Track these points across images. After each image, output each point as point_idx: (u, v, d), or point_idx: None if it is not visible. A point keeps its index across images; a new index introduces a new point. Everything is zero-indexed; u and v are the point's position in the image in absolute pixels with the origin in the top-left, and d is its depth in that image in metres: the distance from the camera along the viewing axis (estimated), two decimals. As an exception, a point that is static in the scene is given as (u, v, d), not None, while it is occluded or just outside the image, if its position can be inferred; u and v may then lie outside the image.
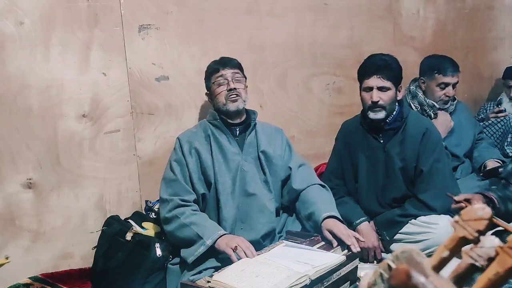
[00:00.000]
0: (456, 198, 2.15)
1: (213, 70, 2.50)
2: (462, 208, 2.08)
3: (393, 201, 2.64)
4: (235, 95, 2.42)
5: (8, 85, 2.36)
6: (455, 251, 0.52)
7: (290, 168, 2.55)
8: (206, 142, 2.45)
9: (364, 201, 2.69)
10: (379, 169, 2.65)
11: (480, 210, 0.50)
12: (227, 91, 2.42)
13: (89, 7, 2.52)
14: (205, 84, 2.57)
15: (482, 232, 0.50)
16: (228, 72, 2.45)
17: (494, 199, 2.13)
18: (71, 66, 2.50)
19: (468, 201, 2.11)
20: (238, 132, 2.49)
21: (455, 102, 3.29)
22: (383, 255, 2.57)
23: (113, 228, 2.47)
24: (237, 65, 2.52)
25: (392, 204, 2.64)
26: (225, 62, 2.50)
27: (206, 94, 2.58)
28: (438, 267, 0.51)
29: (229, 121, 2.48)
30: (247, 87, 2.55)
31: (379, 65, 2.54)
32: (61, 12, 2.45)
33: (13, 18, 2.35)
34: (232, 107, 2.43)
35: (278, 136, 2.61)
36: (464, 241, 0.51)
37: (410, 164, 2.60)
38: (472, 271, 0.51)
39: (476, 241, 0.51)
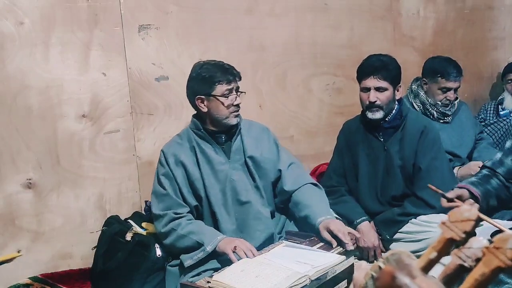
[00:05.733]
0: (448, 195, 2.10)
1: (223, 79, 2.29)
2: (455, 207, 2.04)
3: (393, 199, 2.65)
4: (238, 110, 2.35)
5: (8, 85, 2.36)
6: (443, 252, 0.52)
7: (280, 170, 2.48)
8: (191, 153, 2.36)
9: (364, 199, 2.69)
10: (379, 167, 2.66)
11: (467, 211, 0.50)
12: (234, 106, 2.32)
13: (89, 7, 2.52)
14: (197, 88, 2.32)
15: (469, 233, 0.50)
16: (237, 86, 2.34)
17: (478, 196, 2.11)
18: (71, 66, 2.51)
19: (459, 198, 2.07)
20: (223, 139, 2.40)
21: (457, 101, 3.29)
22: (383, 254, 2.57)
23: (113, 228, 2.48)
24: (240, 78, 2.38)
25: (392, 202, 2.65)
26: (234, 73, 2.33)
27: (198, 98, 2.32)
28: (426, 268, 0.51)
29: (215, 130, 2.38)
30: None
31: (376, 66, 2.55)
32: (61, 12, 2.46)
33: (13, 18, 2.35)
34: (233, 121, 2.34)
35: (264, 137, 2.51)
36: (451, 242, 0.51)
37: (409, 162, 2.61)
38: (461, 271, 0.51)
39: (463, 242, 0.51)
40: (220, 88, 2.29)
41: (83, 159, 2.58)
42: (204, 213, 2.37)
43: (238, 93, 2.34)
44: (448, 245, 0.51)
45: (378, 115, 2.57)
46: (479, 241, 0.50)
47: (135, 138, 2.71)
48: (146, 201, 2.73)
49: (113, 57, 2.61)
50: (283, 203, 2.51)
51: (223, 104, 2.30)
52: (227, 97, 2.30)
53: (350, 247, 2.18)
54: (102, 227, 2.55)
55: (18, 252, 2.37)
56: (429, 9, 3.94)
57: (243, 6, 3.03)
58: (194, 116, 2.43)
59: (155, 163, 2.74)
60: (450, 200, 2.04)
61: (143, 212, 2.72)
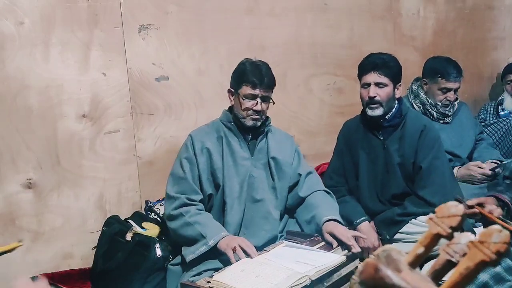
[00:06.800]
0: (469, 202, 2.05)
1: (248, 81, 2.33)
2: (475, 213, 1.96)
3: (393, 198, 2.65)
4: (257, 116, 2.37)
5: (8, 85, 2.37)
6: (430, 247, 0.52)
7: (300, 175, 2.52)
8: (218, 143, 2.40)
9: (364, 198, 2.69)
10: (379, 165, 2.67)
11: (453, 207, 0.50)
12: (253, 110, 2.35)
13: (89, 7, 2.53)
14: (232, 80, 2.41)
15: (455, 229, 0.50)
16: (262, 93, 2.34)
17: (508, 201, 2.07)
18: (71, 66, 2.51)
19: (481, 205, 2.02)
20: (250, 137, 2.44)
21: (457, 102, 3.29)
22: (375, 251, 2.55)
23: (113, 228, 2.48)
24: (273, 86, 2.40)
25: (392, 201, 2.65)
26: (263, 81, 2.34)
27: (229, 90, 2.42)
28: (414, 263, 0.52)
29: (238, 125, 2.43)
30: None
31: (377, 62, 2.57)
32: (61, 12, 2.46)
33: (13, 18, 2.36)
34: (249, 123, 2.37)
35: (288, 143, 2.57)
36: (438, 237, 0.52)
37: (408, 160, 2.61)
38: (449, 267, 0.52)
39: (449, 237, 0.51)
40: (245, 89, 2.35)
41: (83, 159, 2.58)
42: (215, 203, 2.39)
43: (269, 101, 2.38)
44: (435, 240, 0.51)
45: (378, 112, 2.58)
46: (467, 236, 0.50)
47: (135, 138, 2.72)
48: (146, 201, 2.74)
49: (113, 57, 2.62)
50: (293, 207, 2.53)
51: (242, 103, 2.35)
52: (249, 100, 2.34)
53: (357, 249, 2.18)
54: (102, 227, 2.56)
55: (19, 242, 2.38)
56: (429, 9, 3.94)
57: (243, 6, 3.04)
58: (226, 109, 2.48)
59: (156, 163, 2.75)
60: (470, 207, 1.98)
61: (143, 212, 2.73)
